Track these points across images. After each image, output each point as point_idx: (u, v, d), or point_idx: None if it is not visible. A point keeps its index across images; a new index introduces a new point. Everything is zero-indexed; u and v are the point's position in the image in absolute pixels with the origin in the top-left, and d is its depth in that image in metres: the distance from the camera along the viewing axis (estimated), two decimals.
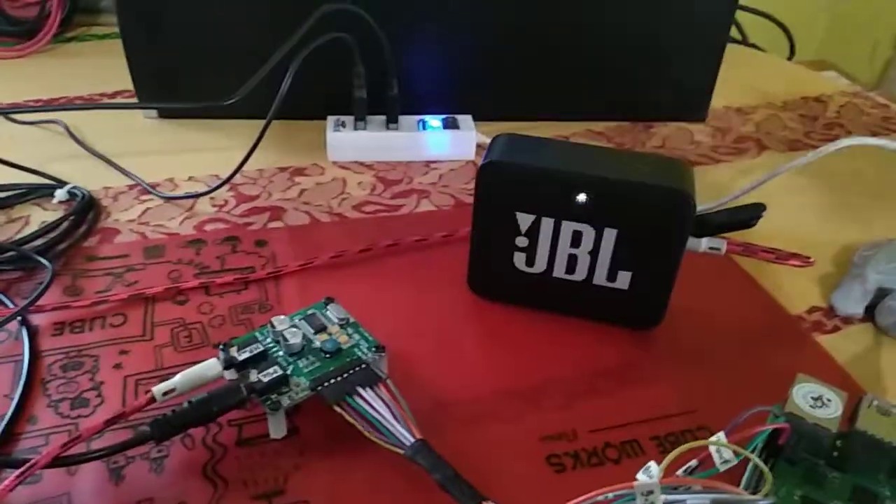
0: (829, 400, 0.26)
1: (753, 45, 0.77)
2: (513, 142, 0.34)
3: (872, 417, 0.26)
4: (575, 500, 0.20)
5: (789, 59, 0.79)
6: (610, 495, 0.20)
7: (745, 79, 0.65)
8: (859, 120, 0.59)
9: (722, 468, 0.22)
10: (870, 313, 0.37)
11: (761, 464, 0.21)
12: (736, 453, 0.22)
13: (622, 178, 0.31)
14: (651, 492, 0.19)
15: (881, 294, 0.37)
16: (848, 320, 0.37)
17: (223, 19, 0.49)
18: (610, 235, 0.32)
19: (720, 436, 0.22)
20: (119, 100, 0.56)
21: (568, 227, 0.33)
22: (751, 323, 0.36)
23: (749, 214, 0.32)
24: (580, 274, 0.34)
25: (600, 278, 0.34)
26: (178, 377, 0.28)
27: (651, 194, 0.31)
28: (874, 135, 0.57)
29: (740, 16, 0.77)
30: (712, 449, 0.22)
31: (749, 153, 0.53)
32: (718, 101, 0.60)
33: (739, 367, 0.34)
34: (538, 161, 0.32)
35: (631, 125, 0.56)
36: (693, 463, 0.22)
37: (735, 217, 0.32)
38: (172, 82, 0.51)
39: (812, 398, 0.26)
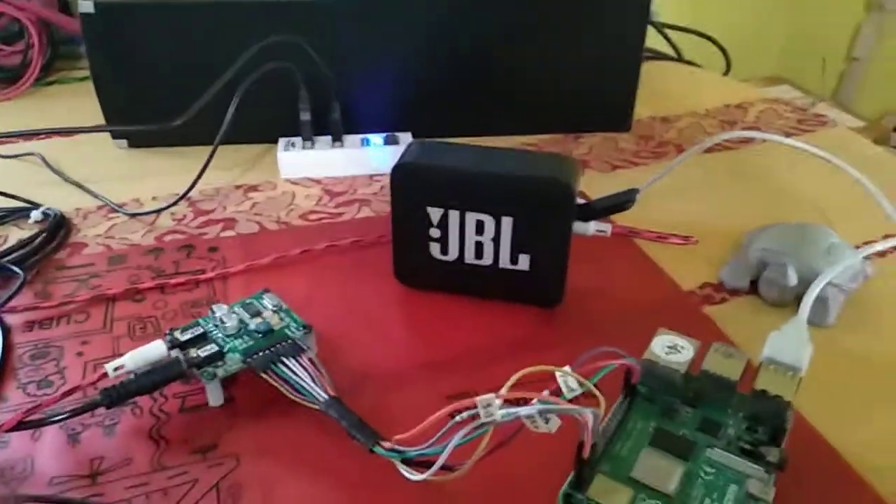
0: (682, 347, 0.31)
1: (689, 62, 0.83)
2: (422, 147, 0.39)
3: (717, 360, 0.30)
4: (433, 416, 0.25)
5: (725, 74, 0.85)
6: (465, 413, 0.24)
7: (674, 91, 0.71)
8: (775, 123, 0.65)
9: (568, 396, 0.26)
10: (755, 287, 0.42)
11: (591, 386, 0.25)
12: (580, 383, 0.26)
13: (512, 172, 0.36)
14: (489, 404, 0.24)
15: (763, 268, 0.41)
16: (735, 293, 0.42)
17: (181, 59, 0.54)
18: (507, 223, 0.37)
19: (567, 368, 0.26)
20: (93, 134, 0.61)
21: (472, 217, 0.38)
22: (646, 298, 0.41)
23: (625, 198, 0.36)
24: (487, 259, 0.39)
25: (505, 262, 0.38)
26: (127, 356, 0.33)
27: (535, 184, 0.36)
28: (787, 135, 0.62)
29: (678, 35, 0.84)
30: (559, 378, 0.26)
31: (667, 156, 0.58)
32: (645, 111, 0.65)
33: (633, 336, 0.38)
34: (442, 161, 0.37)
35: (562, 137, 0.61)
36: (545, 393, 0.26)
37: (612, 201, 0.37)
38: (137, 114, 0.56)
39: (668, 346, 0.31)
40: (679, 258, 0.44)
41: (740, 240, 0.45)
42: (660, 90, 0.70)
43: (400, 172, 0.37)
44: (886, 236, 0.43)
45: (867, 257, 0.43)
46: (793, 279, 0.40)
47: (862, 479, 0.30)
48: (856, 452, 0.31)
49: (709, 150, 0.59)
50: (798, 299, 0.41)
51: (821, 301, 0.39)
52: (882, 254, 0.46)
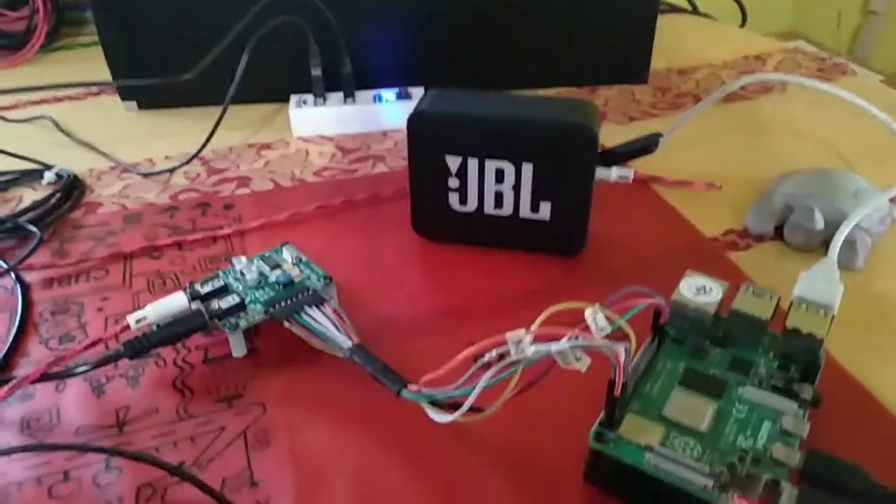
0: (710, 289, 0.30)
1: (705, 15, 0.81)
2: (439, 94, 0.38)
3: (748, 299, 0.30)
4: (465, 351, 0.24)
5: (741, 26, 0.83)
6: (493, 352, 0.24)
7: (690, 44, 0.69)
8: (795, 72, 0.63)
9: (598, 335, 0.26)
10: (780, 233, 0.41)
11: (623, 322, 0.25)
12: (610, 321, 0.25)
13: (532, 117, 0.35)
14: (520, 340, 0.23)
15: (788, 213, 0.41)
16: (759, 238, 0.41)
17: (190, 17, 0.53)
18: (528, 170, 0.36)
19: (597, 306, 0.26)
20: (102, 97, 0.60)
21: (491, 165, 0.37)
22: (668, 246, 0.40)
23: (648, 142, 0.36)
24: (507, 208, 0.38)
25: (525, 211, 0.38)
26: (148, 307, 0.32)
27: (557, 129, 0.35)
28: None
29: None
30: (589, 317, 0.25)
31: (685, 108, 0.57)
32: (661, 63, 0.64)
33: (656, 283, 0.37)
34: (460, 108, 0.37)
35: (578, 89, 0.60)
36: (572, 335, 0.25)
37: (636, 145, 0.36)
38: (146, 75, 0.55)
39: (696, 288, 0.30)
40: (701, 205, 0.43)
41: (763, 186, 0.44)
42: (676, 43, 0.68)
43: (417, 120, 0.37)
44: None
45: (893, 200, 0.42)
46: (820, 223, 0.39)
47: (894, 416, 0.30)
48: (888, 392, 0.31)
49: (728, 100, 0.58)
50: (824, 244, 0.40)
51: (849, 244, 0.38)
52: None
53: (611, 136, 0.51)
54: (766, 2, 0.83)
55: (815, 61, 0.66)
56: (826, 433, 0.28)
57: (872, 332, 0.34)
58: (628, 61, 0.60)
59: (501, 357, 0.25)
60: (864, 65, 0.67)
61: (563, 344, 0.23)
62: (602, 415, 0.26)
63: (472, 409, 0.26)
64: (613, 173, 0.37)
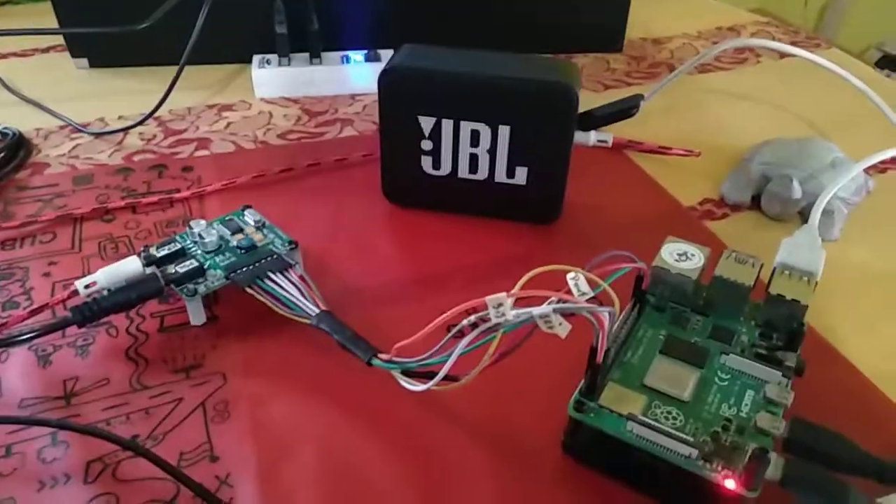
0: (692, 255, 0.29)
1: None
2: (413, 50, 0.36)
3: (730, 266, 0.29)
4: (440, 318, 0.23)
5: None
6: (473, 317, 0.23)
7: (664, 15, 0.68)
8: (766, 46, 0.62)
9: (580, 300, 0.25)
10: (757, 202, 0.40)
11: (608, 287, 0.24)
12: (593, 285, 0.24)
13: (510, 75, 0.34)
14: (501, 304, 0.22)
15: (765, 183, 0.40)
16: (736, 208, 0.40)
17: None
18: (504, 132, 0.35)
19: (579, 270, 0.25)
20: (52, 54, 0.57)
21: (466, 127, 0.35)
22: (645, 214, 0.39)
23: (629, 104, 0.34)
24: (482, 173, 0.37)
25: (500, 175, 0.36)
26: (99, 272, 0.30)
27: (536, 88, 0.33)
28: (782, 57, 0.60)
29: None
30: (570, 281, 0.24)
31: (661, 77, 0.56)
32: (636, 33, 0.63)
33: (633, 251, 0.36)
34: (435, 64, 0.35)
35: (552, 56, 0.58)
36: (554, 299, 0.24)
37: (616, 108, 0.35)
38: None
39: (678, 254, 0.29)
40: (677, 174, 0.42)
41: (739, 156, 0.43)
42: (650, 13, 0.67)
43: (389, 76, 0.35)
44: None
45: (868, 171, 0.41)
46: (797, 192, 0.38)
47: (873, 385, 0.29)
48: (865, 361, 0.30)
49: (703, 71, 0.57)
50: (801, 214, 0.39)
51: (826, 213, 0.37)
52: (882, 169, 0.44)
53: (585, 103, 0.49)
54: None
55: (788, 34, 0.65)
56: (806, 401, 0.27)
57: (848, 301, 0.34)
58: (603, 29, 0.58)
59: (475, 325, 0.23)
60: (831, 44, 0.67)
61: (547, 307, 0.22)
62: (582, 383, 0.25)
63: (446, 378, 0.24)
64: (592, 137, 0.36)
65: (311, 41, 0.50)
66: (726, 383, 0.26)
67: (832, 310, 0.33)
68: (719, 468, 0.23)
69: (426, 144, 0.36)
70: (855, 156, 0.41)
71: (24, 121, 0.46)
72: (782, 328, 0.28)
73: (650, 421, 0.24)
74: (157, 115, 0.47)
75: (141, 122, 0.45)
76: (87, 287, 0.30)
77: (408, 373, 0.26)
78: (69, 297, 0.30)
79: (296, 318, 0.29)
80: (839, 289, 0.34)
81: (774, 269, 0.29)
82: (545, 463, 0.26)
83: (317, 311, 0.29)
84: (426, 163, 0.37)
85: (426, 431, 0.27)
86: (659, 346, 0.27)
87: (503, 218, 0.38)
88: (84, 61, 0.54)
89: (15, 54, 0.57)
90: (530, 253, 0.36)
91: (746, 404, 0.25)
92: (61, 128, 0.46)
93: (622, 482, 0.25)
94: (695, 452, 0.23)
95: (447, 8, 0.55)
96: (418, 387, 0.25)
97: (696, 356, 0.27)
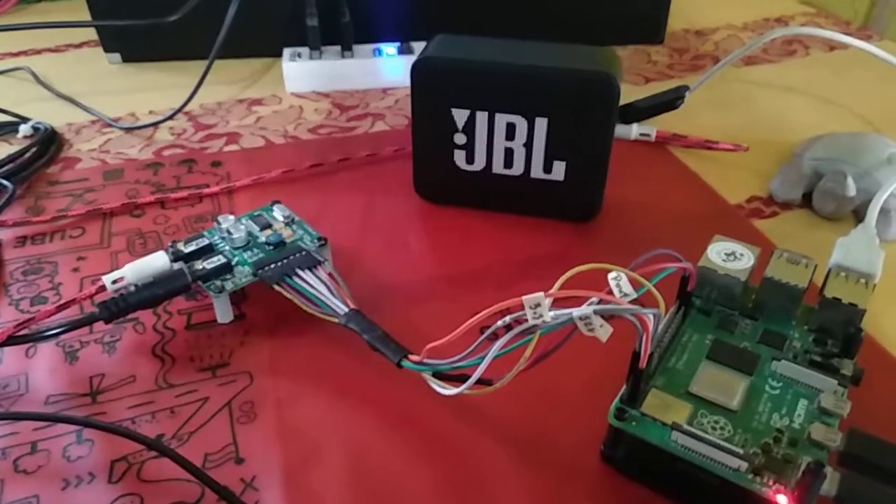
0: (741, 255, 0.28)
1: None
2: (446, 40, 0.35)
3: (782, 266, 0.27)
4: (473, 318, 0.22)
5: None
6: (508, 318, 0.22)
7: (708, 6, 0.66)
8: (817, 35, 0.60)
9: (622, 301, 0.23)
10: (808, 200, 0.38)
11: (652, 287, 0.22)
12: (636, 285, 0.23)
13: (548, 64, 0.32)
14: (538, 304, 0.21)
15: (817, 180, 0.38)
16: (786, 206, 0.38)
17: None
18: (542, 125, 0.34)
19: (621, 270, 0.23)
20: (84, 49, 0.57)
21: (502, 120, 0.34)
22: (690, 211, 0.37)
23: (673, 95, 0.33)
24: (518, 168, 0.35)
25: (537, 171, 0.35)
26: (126, 267, 0.30)
27: (575, 78, 0.32)
28: (832, 49, 0.57)
29: None
30: (612, 282, 0.23)
31: (704, 69, 0.54)
32: (678, 24, 0.61)
33: (675, 250, 0.35)
34: (469, 55, 0.34)
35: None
36: (594, 299, 0.23)
37: (660, 99, 0.33)
38: (131, 28, 0.52)
39: (725, 254, 0.28)
40: (723, 170, 0.40)
41: (789, 151, 0.41)
42: (693, 4, 0.65)
43: (422, 67, 0.34)
44: None
45: None
46: (852, 189, 0.36)
47: None
48: None
49: (750, 63, 0.55)
50: (855, 213, 0.37)
51: (883, 213, 0.35)
52: None
53: (626, 97, 0.48)
54: None
55: (838, 25, 0.63)
56: (863, 412, 0.25)
57: None
58: (644, 20, 0.56)
59: (510, 327, 0.22)
60: (882, 37, 0.64)
61: (587, 308, 0.21)
62: (624, 389, 0.24)
63: (479, 382, 0.23)
64: (634, 130, 0.34)
65: (342, 34, 0.49)
66: (777, 392, 0.24)
67: (890, 315, 0.31)
68: (770, 482, 0.21)
69: (459, 138, 0.35)
70: None
71: (56, 116, 0.46)
72: (838, 333, 0.26)
73: (696, 431, 0.22)
74: (187, 109, 0.46)
75: (171, 117, 0.45)
76: (114, 282, 0.29)
77: (439, 375, 0.24)
78: (97, 293, 0.29)
79: (324, 316, 0.28)
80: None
81: (829, 270, 0.27)
82: (582, 473, 0.24)
83: (346, 309, 0.28)
84: (459, 157, 0.36)
85: (457, 436, 0.26)
86: (705, 352, 0.26)
87: (540, 215, 0.36)
88: (116, 56, 0.54)
89: (49, 50, 0.57)
90: (568, 252, 0.35)
91: (799, 414, 0.24)
92: (93, 122, 0.46)
93: (665, 495, 0.24)
94: (744, 465, 0.21)
95: (481, 2, 0.53)
96: (450, 390, 0.24)
97: (745, 362, 0.25)
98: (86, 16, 0.51)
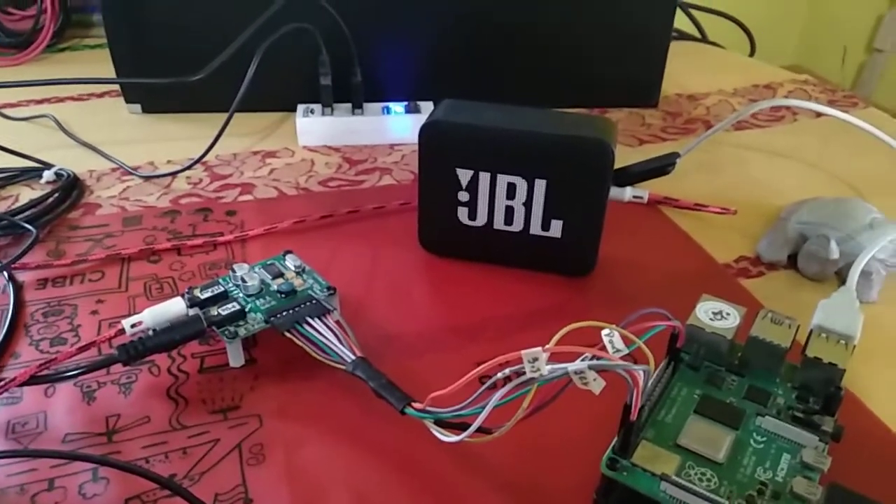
0: (728, 314, 0.29)
1: (713, 43, 0.81)
2: (453, 105, 0.37)
3: (766, 326, 0.29)
4: (475, 370, 0.23)
5: (750, 55, 0.83)
6: (507, 370, 0.23)
7: (700, 71, 0.69)
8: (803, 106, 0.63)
9: (614, 356, 0.25)
10: (793, 261, 0.40)
11: (643, 345, 0.24)
12: (627, 342, 0.24)
13: (548, 131, 0.35)
14: (536, 359, 0.22)
15: (802, 242, 0.40)
16: (772, 266, 0.40)
17: (199, 21, 0.53)
18: (541, 185, 0.36)
19: (614, 327, 0.25)
20: (106, 99, 0.60)
21: (503, 180, 0.36)
22: (680, 270, 0.39)
23: (665, 162, 0.35)
24: (517, 225, 0.37)
25: (536, 228, 0.37)
26: (145, 312, 0.31)
27: (573, 144, 0.34)
28: (818, 115, 0.60)
29: (702, 17, 0.82)
30: (605, 338, 0.24)
31: (696, 133, 0.56)
32: (672, 88, 0.64)
33: (667, 308, 0.36)
34: (474, 119, 0.36)
35: (588, 111, 0.59)
36: (588, 355, 0.24)
37: (652, 165, 0.35)
38: (152, 77, 0.55)
39: (713, 313, 0.29)
40: (713, 231, 0.42)
41: (776, 214, 0.43)
42: (686, 69, 0.68)
43: (429, 130, 0.36)
44: None
45: None
46: (835, 252, 0.38)
47: None
48: None
49: (739, 128, 0.57)
50: (838, 274, 0.39)
51: (864, 275, 0.37)
52: None
53: (621, 158, 0.50)
54: (773, 34, 0.83)
55: (825, 93, 0.66)
56: (843, 468, 0.26)
57: (887, 365, 0.33)
58: (639, 84, 0.59)
59: (508, 379, 0.24)
60: (869, 102, 0.67)
61: (582, 363, 0.22)
62: (616, 440, 0.25)
63: (479, 430, 0.24)
64: (628, 193, 0.36)
65: (353, 92, 0.52)
66: (762, 446, 0.26)
67: (870, 374, 0.32)
68: None
69: (463, 196, 0.37)
70: (894, 216, 0.41)
71: (78, 162, 0.49)
72: (819, 391, 0.27)
73: (684, 482, 0.23)
74: (203, 160, 0.49)
75: (189, 167, 0.47)
76: (133, 326, 0.31)
77: (441, 423, 0.26)
78: (116, 336, 0.31)
79: (332, 363, 0.30)
80: (878, 352, 0.34)
81: (811, 331, 0.29)
82: None
83: (353, 357, 0.29)
84: (462, 214, 0.38)
85: (456, 482, 0.27)
86: (693, 406, 0.27)
87: (537, 270, 0.38)
88: (137, 107, 0.56)
89: (72, 98, 0.60)
90: (564, 306, 0.36)
91: (782, 468, 0.25)
92: (113, 170, 0.48)
93: None
94: None
95: (483, 63, 0.56)
96: (451, 438, 0.25)
97: (732, 417, 0.27)
98: (108, 64, 0.54)
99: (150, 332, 0.31)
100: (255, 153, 0.51)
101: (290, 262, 0.35)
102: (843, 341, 0.28)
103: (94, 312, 0.35)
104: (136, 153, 0.50)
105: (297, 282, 0.34)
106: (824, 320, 0.29)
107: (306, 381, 0.31)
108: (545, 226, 0.37)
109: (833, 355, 0.27)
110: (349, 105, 0.52)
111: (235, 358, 0.32)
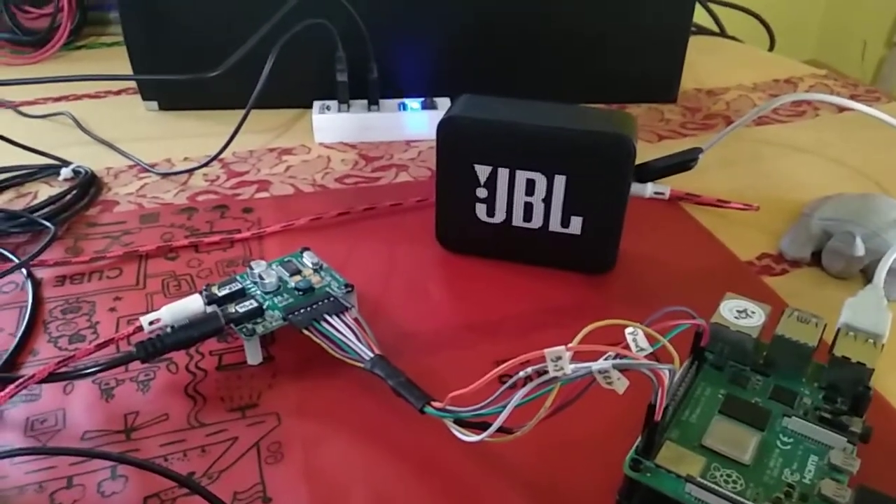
0: (752, 312, 0.29)
1: (732, 38, 0.80)
2: (471, 100, 0.37)
3: (792, 325, 0.28)
4: (496, 370, 0.23)
5: (769, 50, 0.82)
6: (529, 369, 0.23)
7: (719, 66, 0.68)
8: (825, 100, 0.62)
9: (637, 355, 0.24)
10: (817, 259, 0.39)
11: (666, 342, 0.23)
12: (651, 340, 0.24)
13: (567, 126, 0.34)
14: (559, 357, 0.22)
15: (826, 239, 0.39)
16: (795, 264, 0.39)
17: (216, 18, 0.53)
18: (560, 182, 0.35)
19: (638, 325, 0.24)
20: (123, 96, 0.60)
21: (522, 176, 0.36)
22: (702, 267, 0.39)
23: (687, 157, 0.34)
24: (536, 221, 0.37)
25: (555, 224, 0.36)
26: (163, 309, 0.31)
27: (593, 139, 0.34)
28: (841, 110, 0.59)
29: (721, 11, 0.81)
30: (629, 337, 0.24)
31: (716, 128, 0.55)
32: (690, 83, 0.63)
33: (689, 306, 0.36)
34: (492, 115, 0.35)
35: (606, 107, 0.59)
36: (612, 353, 0.24)
37: (674, 160, 0.35)
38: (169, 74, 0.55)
39: (737, 311, 0.29)
40: (735, 228, 0.42)
41: (799, 210, 0.42)
42: (705, 64, 0.67)
43: (447, 125, 0.35)
44: None
45: None
46: (860, 249, 0.37)
47: None
48: None
49: (760, 123, 0.56)
50: (863, 271, 0.38)
51: (891, 273, 0.36)
52: None
53: (639, 154, 0.50)
54: (792, 29, 0.81)
55: (846, 87, 0.65)
56: (871, 470, 0.26)
57: None
58: (658, 79, 0.59)
59: (529, 378, 0.23)
60: (889, 97, 0.66)
61: (606, 362, 0.22)
62: (639, 441, 0.25)
63: (500, 430, 0.24)
64: (649, 189, 0.36)
65: (369, 89, 0.51)
66: (789, 447, 0.25)
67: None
68: None
69: (481, 192, 0.37)
70: None
71: (96, 160, 0.49)
72: (847, 392, 0.27)
73: (710, 484, 0.23)
74: (220, 157, 0.48)
75: (205, 165, 0.47)
76: (151, 323, 0.31)
77: (461, 422, 0.26)
78: (134, 333, 0.31)
79: (350, 361, 0.29)
80: None
81: (838, 329, 0.28)
82: None
83: (371, 355, 0.29)
84: (480, 210, 0.37)
85: (477, 482, 0.26)
86: (718, 406, 0.27)
87: (557, 267, 0.38)
88: (154, 104, 0.56)
89: (89, 96, 0.60)
90: (583, 303, 0.36)
91: (810, 470, 0.24)
92: (130, 167, 0.48)
93: None
94: None
95: (500, 59, 0.56)
96: (471, 437, 0.25)
97: (757, 418, 0.26)
98: (125, 61, 0.54)
99: (168, 330, 0.30)
100: (272, 150, 0.51)
101: (308, 259, 0.35)
102: (871, 340, 0.27)
103: (112, 309, 0.35)
104: (153, 150, 0.50)
105: (315, 279, 0.34)
106: (852, 318, 0.28)
107: (324, 379, 0.31)
108: (564, 222, 0.36)
109: (861, 354, 0.27)
110: (365, 101, 0.52)
111: (253, 355, 0.31)
